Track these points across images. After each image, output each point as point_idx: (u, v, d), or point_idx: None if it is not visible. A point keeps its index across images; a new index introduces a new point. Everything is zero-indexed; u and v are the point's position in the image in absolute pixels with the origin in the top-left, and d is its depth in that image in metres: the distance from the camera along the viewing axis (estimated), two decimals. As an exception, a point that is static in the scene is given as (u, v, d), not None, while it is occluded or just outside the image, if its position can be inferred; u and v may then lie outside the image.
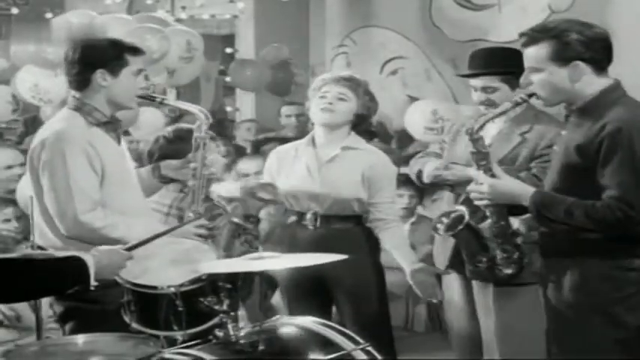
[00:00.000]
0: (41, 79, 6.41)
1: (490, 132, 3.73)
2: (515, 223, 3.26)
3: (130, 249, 2.91)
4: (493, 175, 3.18)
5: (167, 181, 3.71)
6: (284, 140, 6.35)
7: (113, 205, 3.34)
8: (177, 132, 3.80)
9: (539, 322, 3.20)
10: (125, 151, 3.54)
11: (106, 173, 3.32)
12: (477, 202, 3.20)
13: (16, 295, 2.69)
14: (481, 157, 3.21)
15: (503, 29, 6.43)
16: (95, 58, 3.36)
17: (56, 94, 6.38)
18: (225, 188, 3.89)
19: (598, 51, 2.99)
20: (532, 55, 3.04)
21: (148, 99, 3.57)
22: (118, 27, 6.07)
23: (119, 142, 3.48)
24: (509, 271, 3.25)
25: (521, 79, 3.14)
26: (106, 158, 3.33)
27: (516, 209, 3.17)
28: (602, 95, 2.99)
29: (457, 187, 3.83)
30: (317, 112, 3.88)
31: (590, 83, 3.00)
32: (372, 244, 3.95)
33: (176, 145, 3.76)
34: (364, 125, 3.99)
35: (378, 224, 3.88)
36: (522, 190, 3.10)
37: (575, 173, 3.00)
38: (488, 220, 3.23)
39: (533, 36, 3.03)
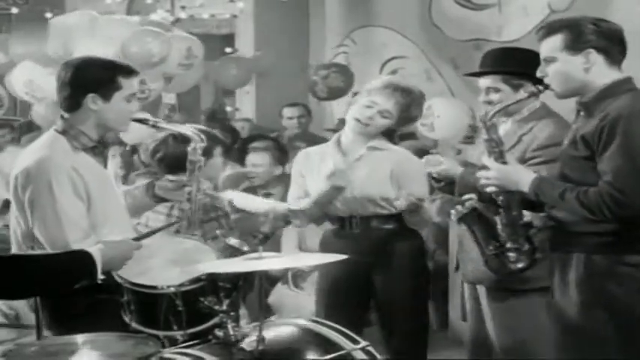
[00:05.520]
0: (36, 76, 6.35)
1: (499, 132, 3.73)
2: (531, 217, 3.23)
3: (138, 239, 2.96)
4: (505, 163, 3.19)
5: (159, 200, 3.71)
6: (270, 139, 6.32)
7: (100, 232, 3.25)
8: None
9: (538, 330, 3.19)
10: (110, 174, 3.48)
11: (91, 199, 3.24)
12: (487, 189, 3.20)
13: (23, 290, 2.70)
14: (493, 144, 3.21)
15: (504, 29, 6.44)
16: (87, 82, 3.24)
17: (50, 93, 6.34)
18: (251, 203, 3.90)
19: (611, 42, 3.01)
20: (547, 46, 3.07)
21: (141, 122, 3.44)
22: (118, 28, 6.05)
23: (105, 165, 3.43)
24: (520, 265, 3.22)
25: (537, 72, 3.14)
26: (90, 184, 3.24)
27: (536, 205, 3.17)
28: (612, 87, 3.00)
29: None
30: (353, 119, 3.89)
31: (601, 74, 3.01)
32: (416, 245, 3.99)
33: (184, 147, 3.72)
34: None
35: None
36: (525, 175, 3.11)
37: (582, 164, 3.00)
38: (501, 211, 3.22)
39: (549, 27, 3.08)
